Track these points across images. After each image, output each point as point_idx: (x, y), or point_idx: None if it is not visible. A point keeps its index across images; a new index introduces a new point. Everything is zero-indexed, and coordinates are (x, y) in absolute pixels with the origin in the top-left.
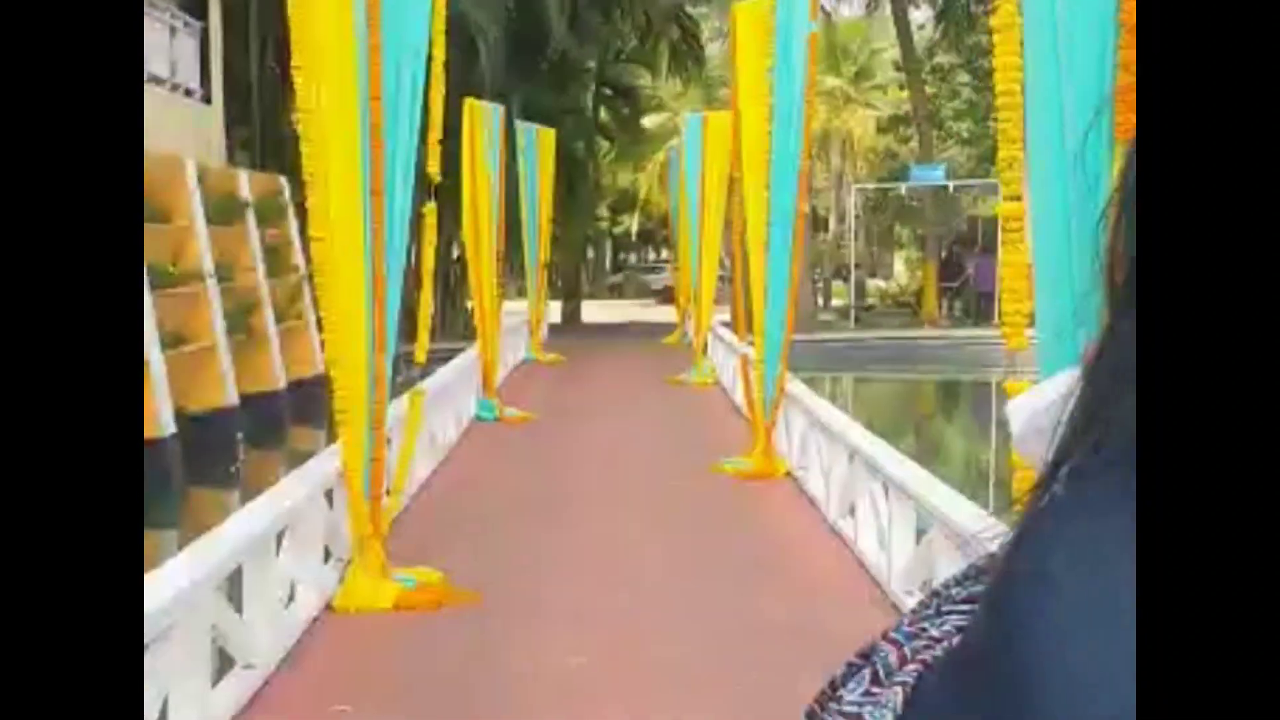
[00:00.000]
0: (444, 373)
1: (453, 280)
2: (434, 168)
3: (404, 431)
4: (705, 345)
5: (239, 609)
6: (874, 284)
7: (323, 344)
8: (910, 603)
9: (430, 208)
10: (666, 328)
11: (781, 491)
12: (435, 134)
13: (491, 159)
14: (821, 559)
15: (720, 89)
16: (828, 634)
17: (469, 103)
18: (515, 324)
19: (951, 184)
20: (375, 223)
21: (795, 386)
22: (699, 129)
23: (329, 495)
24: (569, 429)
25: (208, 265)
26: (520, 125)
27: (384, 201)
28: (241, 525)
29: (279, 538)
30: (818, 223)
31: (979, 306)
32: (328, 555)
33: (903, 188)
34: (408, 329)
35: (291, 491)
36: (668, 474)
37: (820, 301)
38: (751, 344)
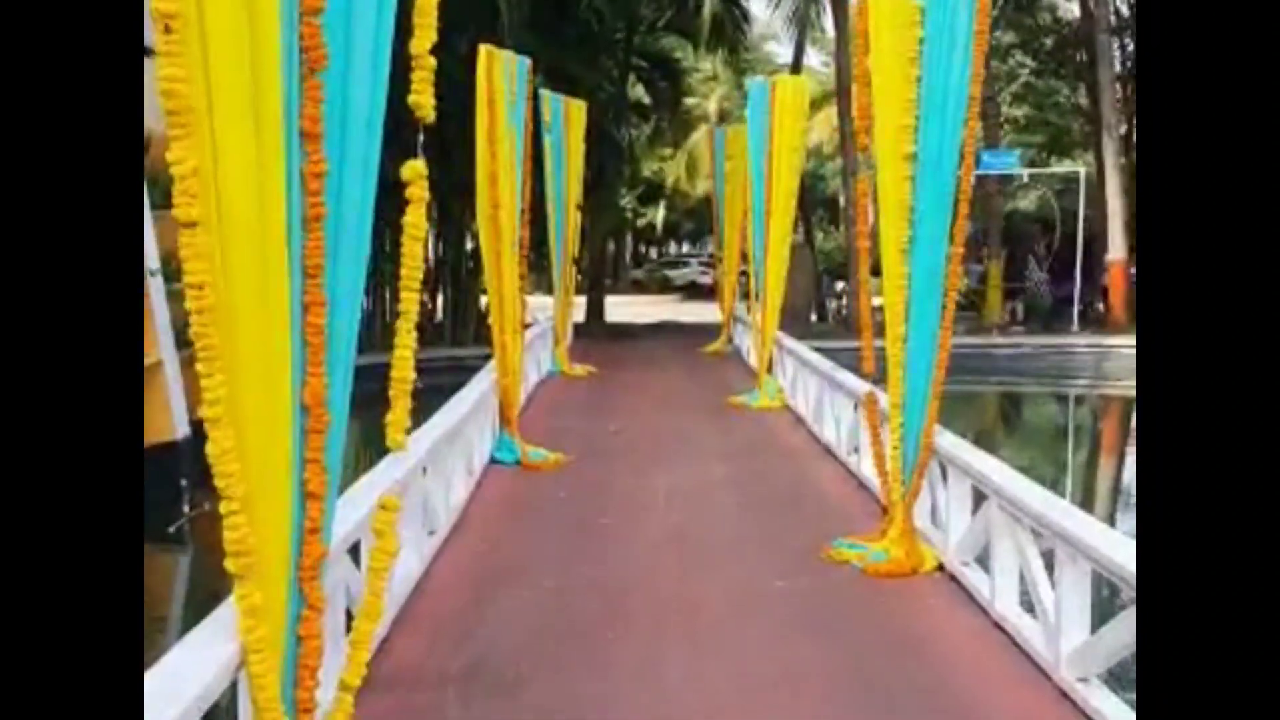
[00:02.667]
0: (452, 407)
1: (464, 273)
2: (423, 100)
3: (366, 574)
4: (770, 361)
5: None
6: None
7: (195, 425)
8: None
9: (414, 168)
10: (704, 330)
11: (942, 601)
12: (424, 41)
13: (515, 123)
14: None
15: (750, 74)
16: None
17: (486, 50)
18: (538, 329)
19: (1026, 172)
20: (311, 193)
21: (948, 441)
22: (765, 97)
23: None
24: (612, 479)
25: (151, 261)
26: (547, 95)
27: (323, 150)
28: None
29: None
30: (839, 215)
31: (1050, 311)
32: None
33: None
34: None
35: None
36: (765, 564)
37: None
38: (878, 380)
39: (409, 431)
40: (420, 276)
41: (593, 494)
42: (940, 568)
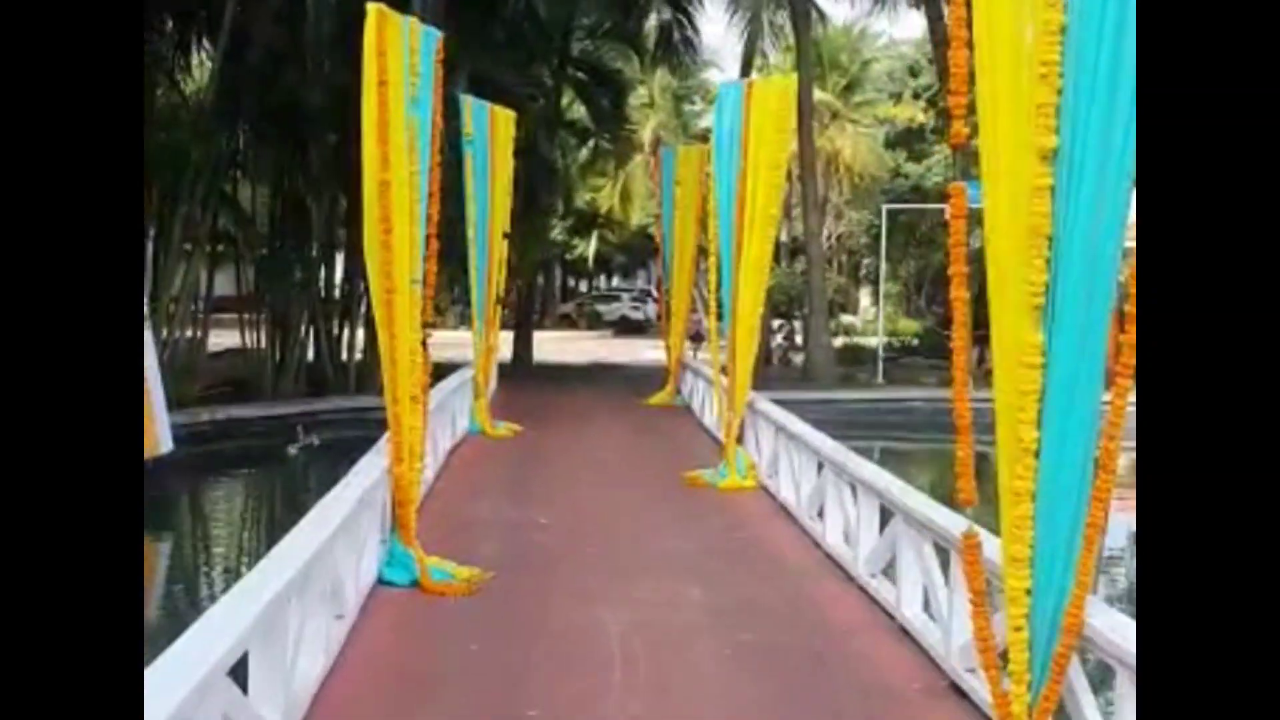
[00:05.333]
0: (314, 522)
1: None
2: None
3: None
4: (741, 429)
5: None
6: (846, 320)
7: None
8: None
9: None
10: (642, 374)
11: None
12: None
13: (418, 115)
14: None
15: (689, 101)
16: None
17: (375, 9)
18: (457, 378)
19: None
20: None
21: (1109, 623)
22: (738, 101)
23: None
24: (544, 612)
25: None
26: (469, 100)
27: None
28: None
29: None
30: (778, 251)
31: None
32: None
33: (947, 210)
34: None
35: None
36: None
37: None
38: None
39: None
40: None
41: (517, 644)
42: None
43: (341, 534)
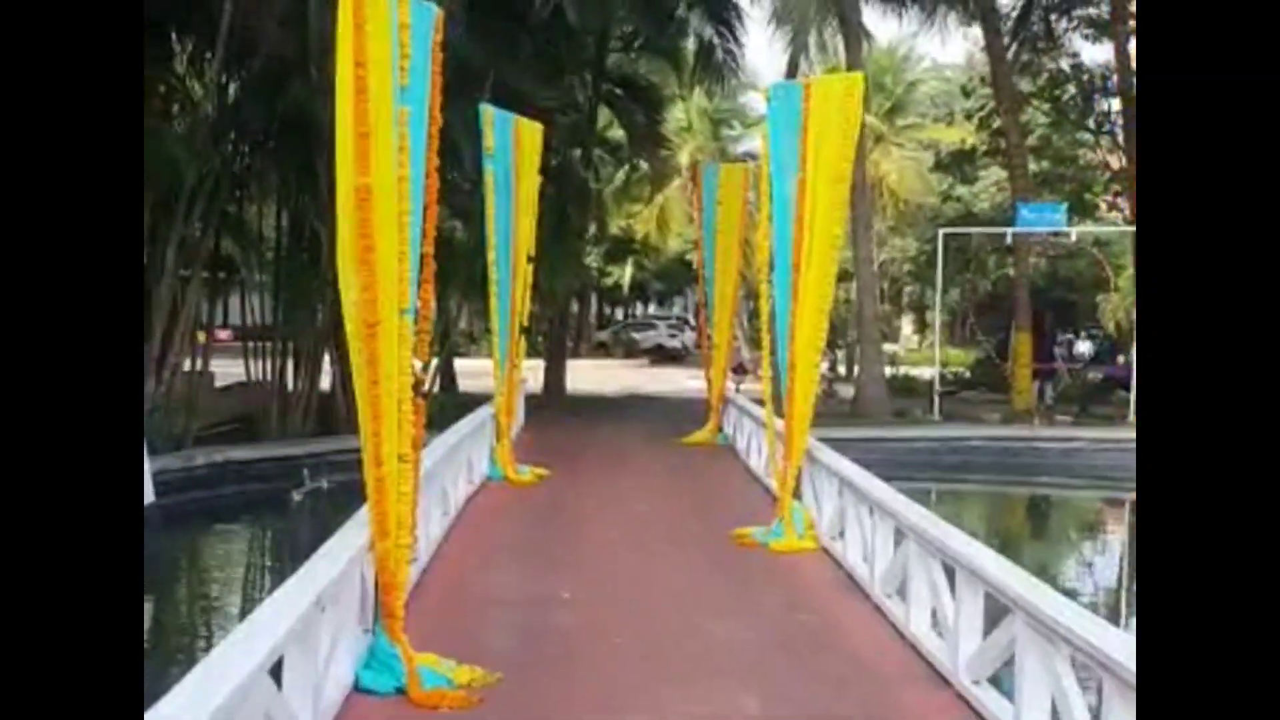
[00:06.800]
0: (270, 619)
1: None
2: None
3: None
4: (799, 480)
5: None
6: (889, 349)
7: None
8: None
9: None
10: (679, 407)
11: None
12: None
13: (410, 106)
14: None
15: (726, 126)
16: None
17: None
18: (475, 419)
19: (1074, 230)
20: None
21: None
22: (794, 104)
23: None
24: None
25: None
26: (490, 110)
27: None
28: None
29: None
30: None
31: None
32: None
33: (1008, 234)
34: None
35: None
36: None
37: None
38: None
39: None
40: None
41: None
42: None
43: (294, 645)
